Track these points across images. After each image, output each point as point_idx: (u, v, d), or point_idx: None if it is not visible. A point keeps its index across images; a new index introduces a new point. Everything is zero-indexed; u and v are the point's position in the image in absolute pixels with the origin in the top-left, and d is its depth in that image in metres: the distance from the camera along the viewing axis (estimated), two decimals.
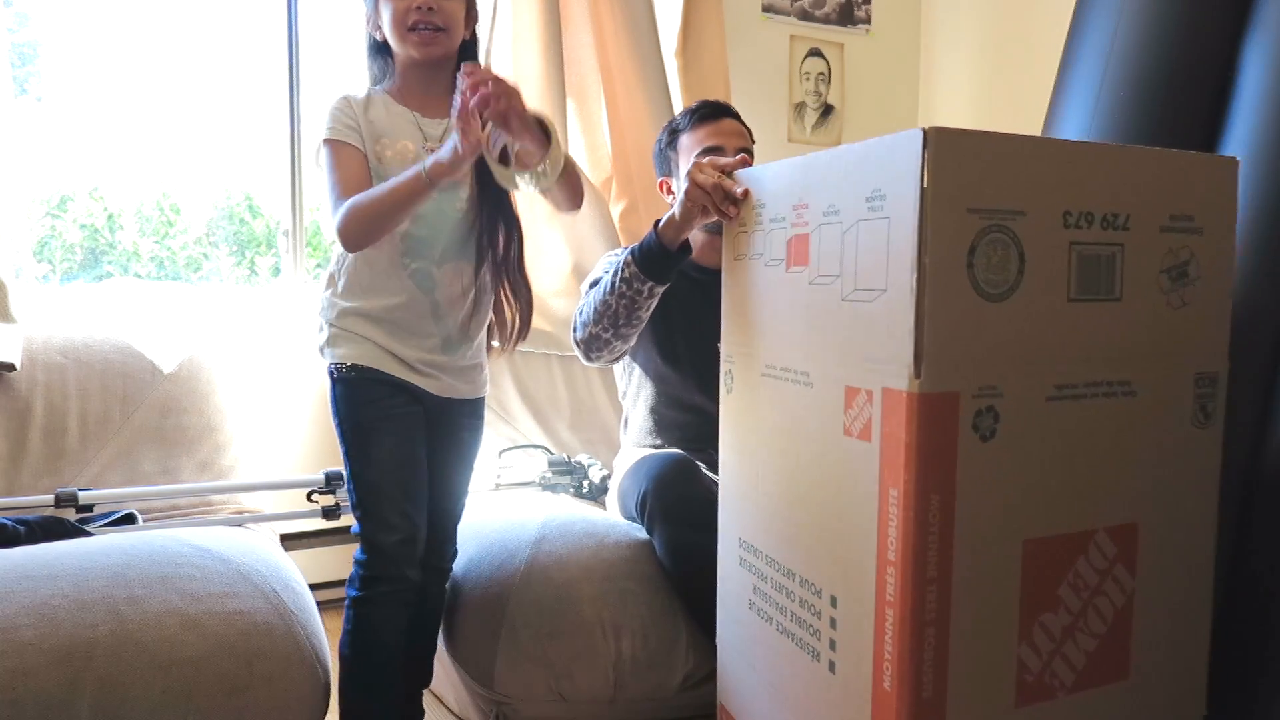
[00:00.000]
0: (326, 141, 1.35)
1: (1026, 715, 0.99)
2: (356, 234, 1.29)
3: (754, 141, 1.81)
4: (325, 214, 1.40)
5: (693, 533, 1.48)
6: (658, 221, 1.50)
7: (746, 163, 1.38)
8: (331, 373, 1.39)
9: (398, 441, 1.38)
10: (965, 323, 0.92)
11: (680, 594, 1.52)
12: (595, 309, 1.59)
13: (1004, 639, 0.97)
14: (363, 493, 1.37)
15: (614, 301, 1.55)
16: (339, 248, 1.35)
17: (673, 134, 1.78)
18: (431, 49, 1.35)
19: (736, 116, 1.78)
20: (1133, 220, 1.02)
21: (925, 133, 0.90)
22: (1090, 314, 1.00)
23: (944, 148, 0.90)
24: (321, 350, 1.41)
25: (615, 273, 1.55)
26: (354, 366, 1.37)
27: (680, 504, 1.51)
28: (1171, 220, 1.05)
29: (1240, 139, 1.36)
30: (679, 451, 1.69)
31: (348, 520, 1.56)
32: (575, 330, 1.66)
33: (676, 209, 1.44)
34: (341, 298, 1.38)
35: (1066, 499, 1.00)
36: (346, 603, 1.37)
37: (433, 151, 1.29)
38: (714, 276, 1.69)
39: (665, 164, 1.81)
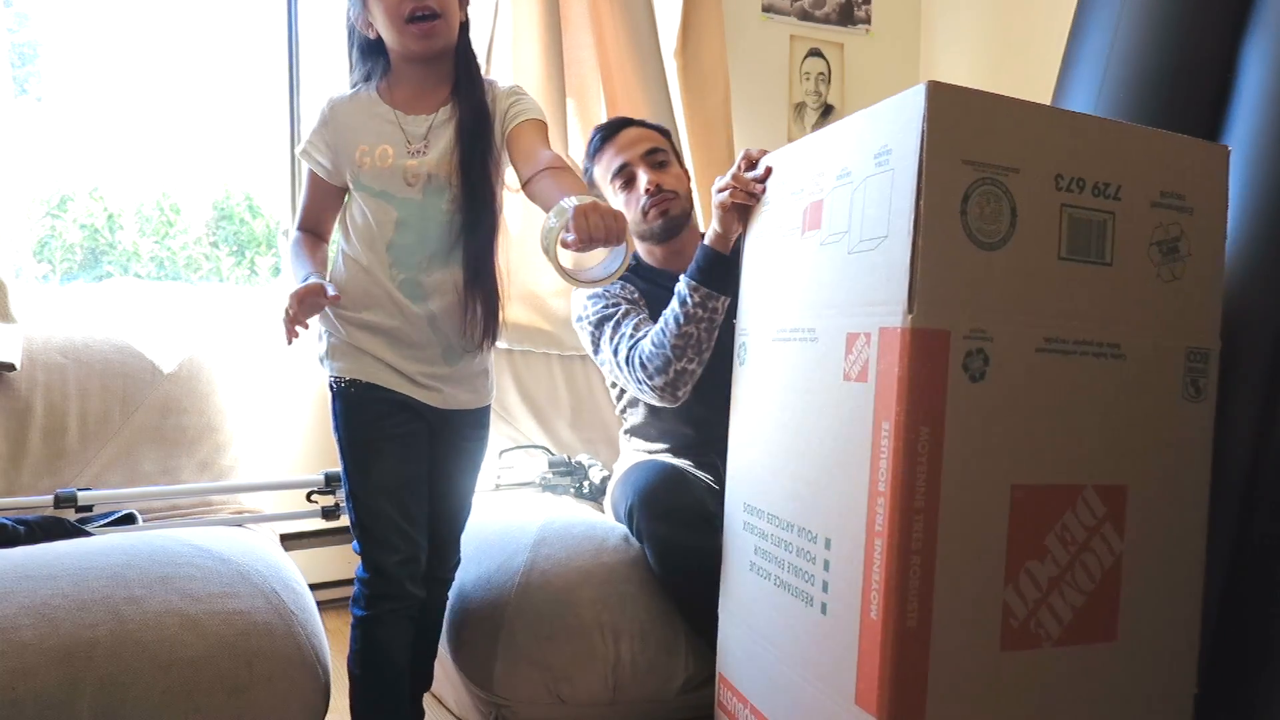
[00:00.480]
0: (302, 153, 1.38)
1: (1012, 660, 1.01)
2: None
3: (669, 134, 1.80)
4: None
5: (681, 533, 1.48)
6: (702, 242, 1.48)
7: (763, 152, 1.39)
8: (332, 386, 1.35)
9: (398, 462, 1.33)
10: (958, 266, 0.97)
11: (674, 599, 1.52)
12: (672, 346, 1.50)
13: (990, 579, 1.00)
14: (362, 513, 1.33)
15: (694, 330, 1.49)
16: (337, 255, 1.35)
17: (588, 167, 1.78)
18: (432, 41, 1.29)
19: (634, 123, 1.77)
20: (1124, 191, 1.06)
21: (928, 87, 0.95)
22: (1080, 274, 1.03)
23: (943, 101, 0.96)
24: (321, 360, 1.37)
25: (682, 304, 1.48)
26: (354, 381, 1.33)
27: (668, 512, 1.50)
28: (1162, 196, 1.08)
29: (1240, 139, 1.35)
30: (667, 461, 1.69)
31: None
32: (647, 378, 1.54)
33: (716, 224, 1.44)
34: (338, 307, 1.34)
35: (1055, 451, 1.03)
36: (353, 621, 1.34)
37: (413, 153, 1.30)
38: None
39: (600, 194, 1.76)
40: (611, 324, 1.64)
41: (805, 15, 2.83)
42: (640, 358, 1.56)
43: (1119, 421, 1.06)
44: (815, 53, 2.86)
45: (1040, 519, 1.02)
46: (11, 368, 1.80)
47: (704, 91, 2.55)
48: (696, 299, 1.48)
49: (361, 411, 1.33)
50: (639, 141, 1.72)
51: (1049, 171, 1.01)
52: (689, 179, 1.80)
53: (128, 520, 1.74)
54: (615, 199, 1.73)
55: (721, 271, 1.47)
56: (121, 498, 1.76)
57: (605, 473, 2.07)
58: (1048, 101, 1.72)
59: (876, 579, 0.98)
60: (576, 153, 2.40)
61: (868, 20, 2.92)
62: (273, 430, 2.26)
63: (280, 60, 2.40)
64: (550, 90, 2.28)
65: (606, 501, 1.88)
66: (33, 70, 2.32)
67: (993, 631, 1.00)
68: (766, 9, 2.78)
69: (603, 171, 1.73)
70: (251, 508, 1.96)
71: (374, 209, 1.32)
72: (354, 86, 1.39)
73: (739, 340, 1.39)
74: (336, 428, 1.35)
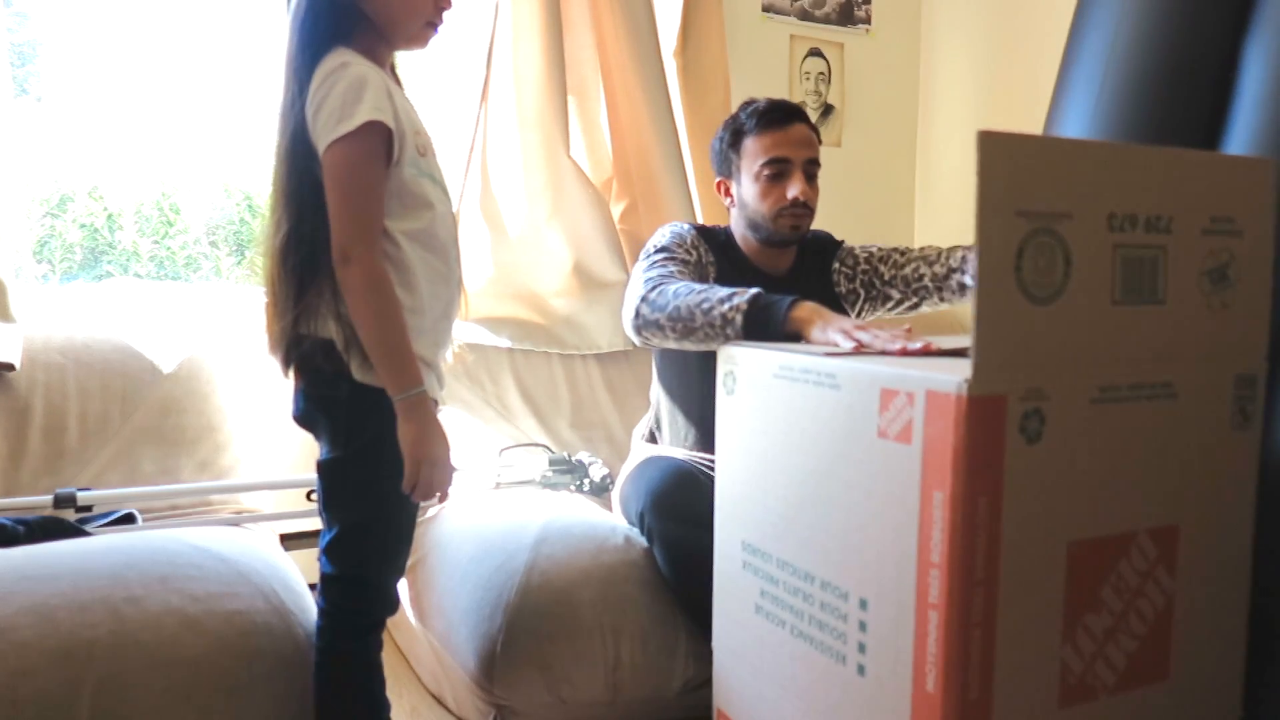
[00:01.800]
0: (369, 125, 1.12)
1: (1069, 716, 1.00)
2: (364, 298, 1.13)
3: (820, 143, 1.74)
4: (346, 232, 1.14)
5: (693, 532, 1.47)
6: (794, 302, 1.36)
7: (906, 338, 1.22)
8: (385, 402, 1.17)
9: None
10: (1013, 326, 0.92)
11: (680, 598, 1.52)
12: (679, 315, 1.44)
13: (1048, 640, 0.98)
14: (389, 536, 1.24)
15: (702, 328, 1.42)
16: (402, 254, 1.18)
17: (736, 134, 1.69)
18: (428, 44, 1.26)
19: (806, 120, 1.70)
20: (1175, 223, 1.02)
21: (978, 138, 0.89)
22: (1133, 317, 1.00)
23: (992, 151, 0.90)
24: (361, 370, 1.18)
25: (723, 301, 1.40)
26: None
27: (678, 507, 1.51)
28: (1213, 222, 1.05)
29: (1240, 139, 1.35)
30: (679, 459, 1.69)
31: (350, 547, 1.42)
32: (645, 306, 1.50)
33: (818, 333, 1.30)
34: (419, 318, 1.20)
35: (1109, 501, 1.00)
36: (347, 659, 1.24)
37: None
38: (771, 281, 1.70)
39: (725, 165, 1.72)
40: (666, 258, 1.61)
41: (805, 15, 2.83)
42: (658, 290, 1.50)
43: (1170, 461, 1.04)
44: (815, 52, 2.86)
45: (1096, 572, 1.00)
46: (11, 368, 1.80)
47: (704, 91, 2.55)
48: (730, 316, 1.39)
49: None
50: (808, 145, 1.68)
51: (1102, 212, 0.97)
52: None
53: (127, 520, 1.74)
54: (750, 181, 1.67)
55: (770, 336, 1.38)
56: (121, 498, 1.76)
57: (605, 471, 2.07)
58: (1047, 101, 1.72)
59: (933, 652, 0.94)
60: (576, 152, 2.40)
61: (868, 20, 2.92)
62: (273, 430, 2.26)
63: (280, 60, 2.40)
64: (551, 90, 2.28)
65: (615, 498, 1.88)
66: (33, 70, 2.32)
67: (1052, 691, 0.98)
68: (766, 9, 2.77)
69: (754, 150, 1.66)
70: (251, 508, 1.96)
71: (440, 200, 1.24)
72: (325, 43, 1.18)
73: (723, 368, 1.33)
74: (376, 451, 1.19)
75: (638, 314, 1.52)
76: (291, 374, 1.25)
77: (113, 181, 2.46)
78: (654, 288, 1.51)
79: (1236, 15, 1.40)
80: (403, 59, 1.34)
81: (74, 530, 1.60)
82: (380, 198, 1.16)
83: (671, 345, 1.51)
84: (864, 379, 1.05)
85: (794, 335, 1.35)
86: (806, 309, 1.34)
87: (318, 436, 1.26)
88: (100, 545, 1.40)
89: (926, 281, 1.67)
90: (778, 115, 1.67)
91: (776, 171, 1.65)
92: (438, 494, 1.20)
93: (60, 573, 1.29)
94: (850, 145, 2.94)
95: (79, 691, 1.17)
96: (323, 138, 1.14)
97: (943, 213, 2.95)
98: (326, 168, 1.14)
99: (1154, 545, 1.04)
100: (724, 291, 1.42)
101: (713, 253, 1.70)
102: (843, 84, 2.91)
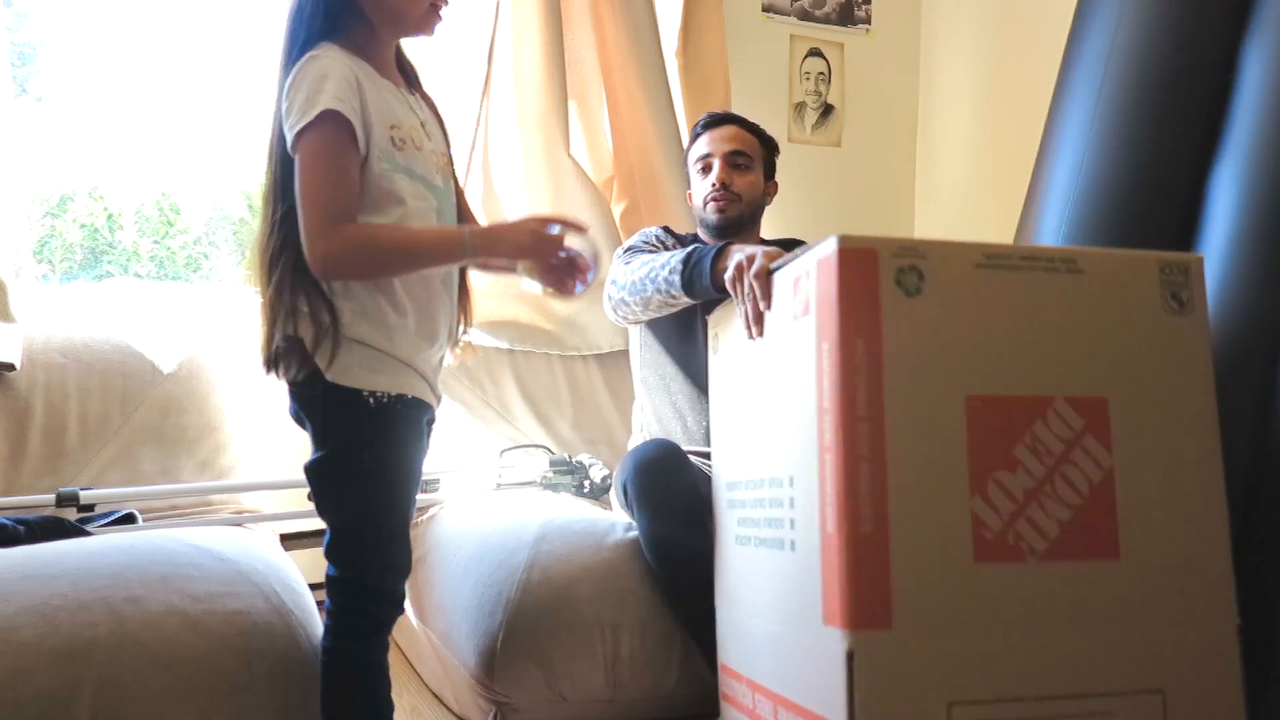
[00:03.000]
0: (327, 114, 1.10)
1: (991, 572, 1.01)
2: (356, 268, 1.13)
3: (771, 147, 1.89)
4: (307, 220, 1.12)
5: (673, 528, 1.48)
6: (719, 252, 1.46)
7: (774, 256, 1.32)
8: (360, 403, 1.16)
9: (417, 482, 1.25)
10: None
11: (663, 589, 1.52)
12: (636, 288, 1.64)
13: (953, 488, 1.01)
14: (381, 538, 1.21)
15: (653, 295, 1.62)
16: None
17: (688, 152, 1.89)
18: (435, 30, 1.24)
19: (739, 121, 1.85)
20: None
21: None
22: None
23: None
24: (339, 370, 1.16)
25: (664, 266, 1.57)
26: (399, 397, 1.19)
27: (663, 496, 1.51)
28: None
29: (1240, 139, 1.36)
30: (668, 440, 1.69)
31: (341, 549, 1.40)
32: (613, 288, 1.72)
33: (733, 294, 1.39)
34: (358, 316, 1.17)
35: (1010, 362, 1.05)
36: (349, 661, 1.22)
37: (429, 136, 1.23)
38: None
39: (687, 177, 1.92)
40: (638, 252, 1.77)
41: (805, 15, 2.83)
42: (624, 276, 1.69)
43: (1086, 335, 1.07)
44: (815, 52, 2.86)
45: (1005, 430, 1.03)
46: (11, 368, 1.80)
47: (704, 91, 2.55)
48: (672, 281, 1.55)
49: (403, 430, 1.20)
50: (730, 140, 1.81)
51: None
52: (766, 189, 1.87)
53: (128, 520, 1.74)
54: (694, 181, 1.86)
55: (706, 295, 1.52)
56: (122, 497, 1.76)
57: (606, 472, 2.07)
58: (1047, 101, 1.72)
59: (829, 493, 1.00)
60: (577, 152, 2.40)
61: (868, 20, 2.92)
62: (273, 430, 2.26)
63: (280, 60, 2.40)
64: (551, 90, 2.28)
65: (614, 494, 1.88)
66: (33, 70, 2.32)
67: (963, 543, 1.01)
68: (766, 9, 2.77)
69: (692, 154, 1.86)
70: (251, 508, 1.96)
71: (415, 196, 1.20)
72: (312, 40, 1.17)
73: (711, 332, 1.45)
74: (358, 450, 1.18)
75: (608, 296, 1.75)
76: (279, 374, 1.24)
77: (113, 181, 2.46)
78: (617, 270, 1.74)
79: (1236, 15, 1.40)
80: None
81: (74, 530, 1.60)
82: (349, 184, 1.14)
83: (643, 317, 1.72)
84: (783, 283, 1.15)
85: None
86: (725, 256, 1.43)
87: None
88: (100, 545, 1.40)
89: None
90: (707, 120, 1.86)
91: (703, 165, 1.82)
92: (577, 269, 1.22)
93: (60, 573, 1.29)
94: (850, 145, 2.94)
95: (79, 691, 1.17)
96: (290, 132, 1.13)
97: (943, 213, 2.95)
98: (296, 162, 1.13)
99: (1077, 414, 1.06)
100: (666, 256, 1.58)
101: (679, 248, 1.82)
102: (843, 84, 2.91)
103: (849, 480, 0.98)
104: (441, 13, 1.23)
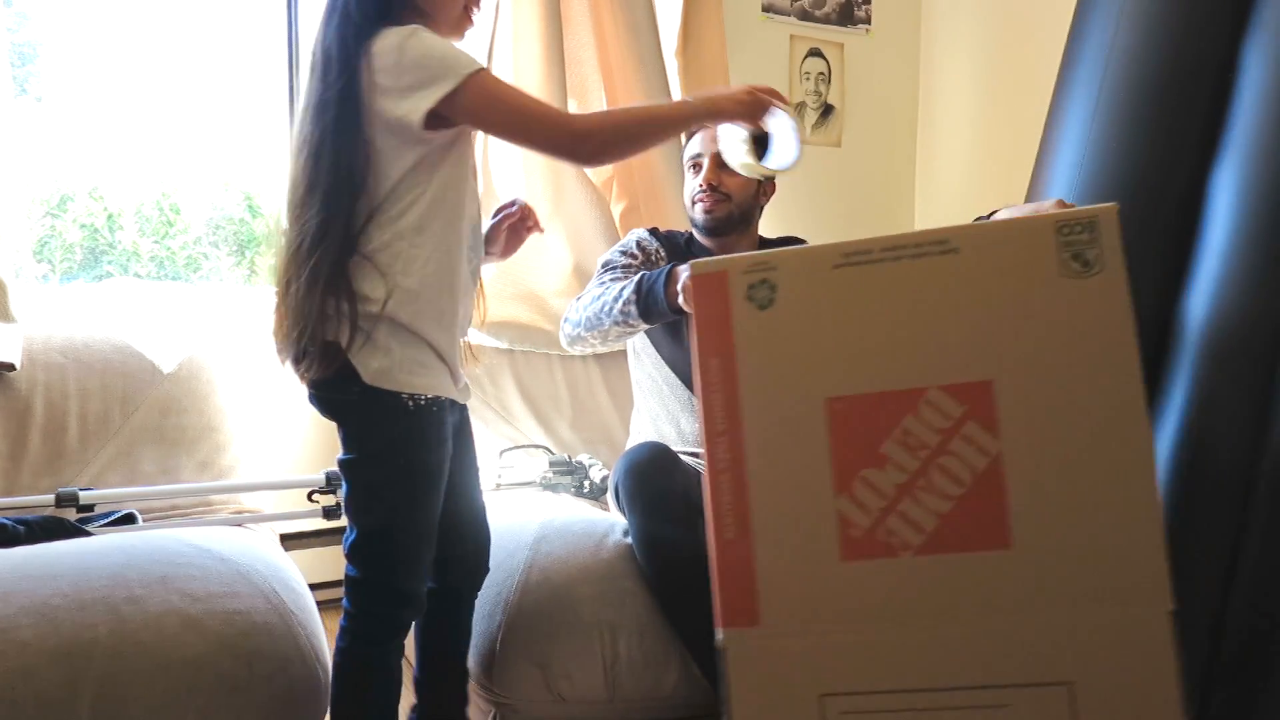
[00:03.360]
0: (481, 73, 1.11)
1: (861, 569, 1.01)
2: (620, 143, 1.20)
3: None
4: (548, 128, 1.15)
5: (665, 527, 1.48)
6: (669, 276, 1.52)
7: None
8: (399, 405, 1.16)
9: (445, 483, 1.24)
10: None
11: (655, 593, 1.51)
12: (590, 324, 1.66)
13: (816, 491, 1.02)
14: (408, 541, 1.20)
15: (610, 328, 1.65)
16: (402, 248, 1.14)
17: (683, 151, 1.89)
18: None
19: None
20: None
21: None
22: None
23: None
24: (374, 374, 1.15)
25: (617, 299, 1.60)
26: (435, 399, 1.19)
27: (654, 496, 1.51)
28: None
29: (1240, 139, 1.35)
30: (659, 442, 1.69)
31: (363, 550, 1.41)
32: (566, 324, 1.73)
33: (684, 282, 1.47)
34: (416, 307, 1.16)
35: (874, 359, 1.03)
36: (365, 664, 1.22)
37: None
38: None
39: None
40: (608, 270, 1.79)
41: (805, 15, 2.83)
42: (580, 308, 1.71)
43: (964, 317, 1.02)
44: (815, 53, 2.86)
45: (871, 428, 1.02)
46: (11, 368, 1.80)
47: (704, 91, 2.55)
48: (628, 310, 1.59)
49: (437, 431, 1.20)
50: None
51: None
52: (762, 189, 1.86)
53: (128, 520, 1.74)
54: (686, 180, 1.87)
55: (663, 319, 1.58)
56: (122, 497, 1.76)
57: (605, 472, 2.07)
58: (1047, 101, 1.72)
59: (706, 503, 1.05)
60: None
61: (868, 20, 2.92)
62: (273, 430, 2.26)
63: (280, 60, 2.40)
64: (551, 90, 2.28)
65: (610, 495, 1.89)
66: (33, 70, 2.32)
67: (829, 542, 1.02)
68: (766, 9, 2.77)
69: (686, 153, 1.87)
70: (251, 508, 1.96)
71: (461, 179, 1.21)
72: (372, 24, 1.15)
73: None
74: (395, 451, 1.18)
75: (563, 333, 1.77)
76: (301, 373, 1.21)
77: (113, 181, 2.46)
78: (571, 307, 1.75)
79: (1236, 16, 1.40)
80: None
81: (74, 530, 1.60)
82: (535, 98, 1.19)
83: (601, 349, 1.75)
84: None
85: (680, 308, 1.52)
86: (675, 279, 1.50)
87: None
88: (100, 545, 1.40)
89: None
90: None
91: (694, 164, 1.83)
92: (763, 103, 1.26)
93: (60, 573, 1.29)
94: (850, 145, 2.94)
95: (79, 691, 1.17)
96: (445, 85, 1.09)
97: (943, 213, 2.95)
98: (479, 104, 1.12)
99: (955, 402, 1.02)
100: (615, 289, 1.60)
101: (666, 251, 1.84)
102: (843, 84, 2.91)
103: (712, 491, 1.03)
104: (474, 19, 1.24)
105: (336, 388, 1.18)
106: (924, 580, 1.01)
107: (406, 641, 1.29)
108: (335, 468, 1.83)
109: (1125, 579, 0.99)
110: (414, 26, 1.13)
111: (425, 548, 1.23)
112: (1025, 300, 1.01)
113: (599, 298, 1.65)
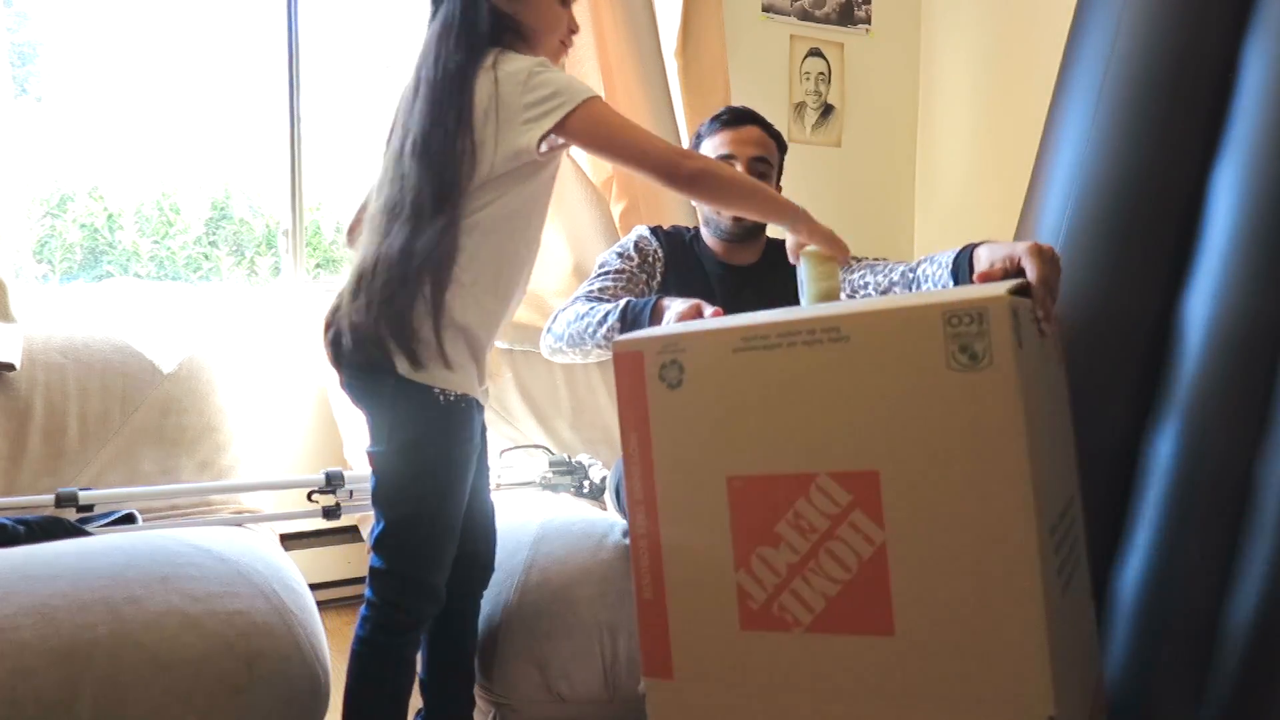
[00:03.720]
0: (592, 100, 1.20)
1: (755, 640, 1.05)
2: (716, 186, 1.25)
3: (784, 148, 1.82)
4: (658, 152, 1.22)
5: None
6: (654, 308, 1.46)
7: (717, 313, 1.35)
8: (431, 400, 1.21)
9: (470, 480, 1.29)
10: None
11: None
12: (572, 341, 1.60)
13: (719, 562, 1.06)
14: (434, 534, 1.24)
15: (592, 349, 1.60)
16: (467, 244, 1.21)
17: (698, 137, 1.80)
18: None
19: (761, 123, 1.78)
20: None
21: None
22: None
23: None
24: (415, 365, 1.19)
25: (602, 323, 1.54)
26: (463, 396, 1.23)
27: None
28: None
29: (1240, 139, 1.35)
30: None
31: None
32: (549, 334, 1.67)
33: (673, 314, 1.40)
34: (464, 302, 1.22)
35: (770, 442, 1.04)
36: (384, 654, 1.26)
37: None
38: (732, 271, 1.75)
39: None
40: (600, 273, 1.73)
41: (805, 15, 2.83)
42: (563, 318, 1.64)
43: (852, 406, 1.01)
44: (815, 52, 2.86)
45: (767, 508, 1.04)
46: (11, 368, 1.80)
47: (704, 91, 2.55)
48: (609, 339, 1.51)
49: (465, 427, 1.25)
50: (756, 145, 1.74)
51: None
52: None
53: (128, 520, 1.74)
54: None
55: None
56: (122, 497, 1.76)
57: (605, 473, 2.07)
58: (1047, 101, 1.72)
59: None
60: (577, 152, 2.40)
61: (868, 20, 2.92)
62: (273, 430, 2.27)
63: (280, 60, 2.40)
64: None
65: (609, 495, 1.89)
66: (33, 70, 2.32)
67: (730, 611, 1.06)
68: (766, 9, 2.78)
69: (707, 149, 1.77)
70: (251, 508, 1.96)
71: (540, 195, 1.31)
72: (484, 44, 1.25)
73: None
74: (423, 445, 1.22)
75: (544, 342, 1.70)
76: (336, 358, 1.26)
77: (113, 181, 2.46)
78: (554, 318, 1.68)
79: (1236, 15, 1.40)
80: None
81: (74, 530, 1.60)
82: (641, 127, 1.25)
83: (581, 363, 1.69)
84: None
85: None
86: (658, 312, 1.43)
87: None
88: (100, 545, 1.40)
89: (871, 290, 1.67)
90: (730, 117, 1.77)
91: None
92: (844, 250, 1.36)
93: (60, 573, 1.29)
94: (850, 145, 2.94)
95: (79, 691, 1.17)
96: (560, 110, 1.18)
97: (943, 213, 2.95)
98: (595, 128, 1.20)
99: (843, 489, 1.02)
100: (600, 311, 1.55)
101: (665, 251, 1.78)
102: (843, 84, 2.91)
103: (634, 554, 1.09)
104: (569, 46, 1.33)
105: (369, 376, 1.22)
106: (813, 656, 1.04)
107: None
108: (336, 468, 1.84)
109: (1005, 683, 0.96)
110: (541, 59, 1.23)
111: (449, 542, 1.27)
112: (913, 391, 0.99)
113: (583, 316, 1.60)
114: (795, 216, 1.32)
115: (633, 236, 1.81)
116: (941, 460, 0.99)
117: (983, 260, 1.34)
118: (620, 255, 1.76)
